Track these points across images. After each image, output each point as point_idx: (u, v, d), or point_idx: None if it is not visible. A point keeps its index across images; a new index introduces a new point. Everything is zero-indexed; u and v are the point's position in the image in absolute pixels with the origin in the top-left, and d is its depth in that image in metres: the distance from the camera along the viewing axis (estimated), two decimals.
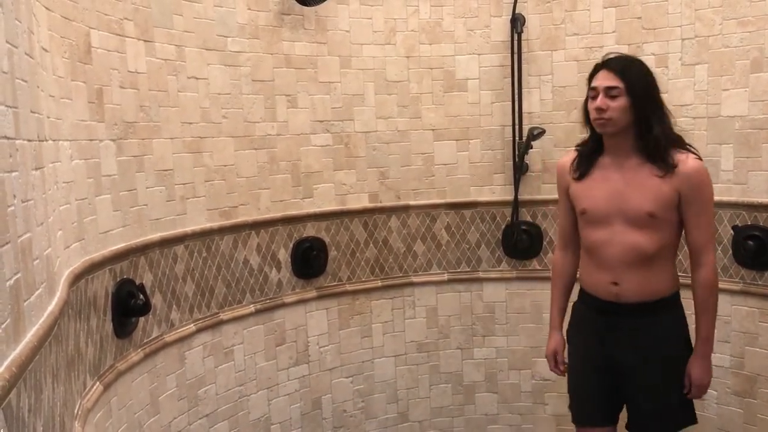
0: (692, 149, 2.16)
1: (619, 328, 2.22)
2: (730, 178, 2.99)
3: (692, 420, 2.30)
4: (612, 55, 2.21)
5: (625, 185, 2.15)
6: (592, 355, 2.30)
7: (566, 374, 2.44)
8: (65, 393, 1.56)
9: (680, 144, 2.16)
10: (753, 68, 2.88)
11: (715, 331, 3.04)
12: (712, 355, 3.06)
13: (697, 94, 3.04)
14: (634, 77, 2.12)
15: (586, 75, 3.26)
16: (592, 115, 2.15)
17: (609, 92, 2.11)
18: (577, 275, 2.42)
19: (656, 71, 3.10)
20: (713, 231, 2.25)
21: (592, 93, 2.16)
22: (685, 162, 2.10)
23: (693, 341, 2.26)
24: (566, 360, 2.43)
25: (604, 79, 2.13)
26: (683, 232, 2.19)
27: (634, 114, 2.11)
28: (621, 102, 2.10)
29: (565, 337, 2.44)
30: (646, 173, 2.12)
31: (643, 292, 2.17)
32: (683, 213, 2.13)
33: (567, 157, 2.36)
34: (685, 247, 2.25)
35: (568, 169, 2.30)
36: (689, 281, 2.23)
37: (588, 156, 2.25)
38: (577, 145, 2.34)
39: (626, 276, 2.16)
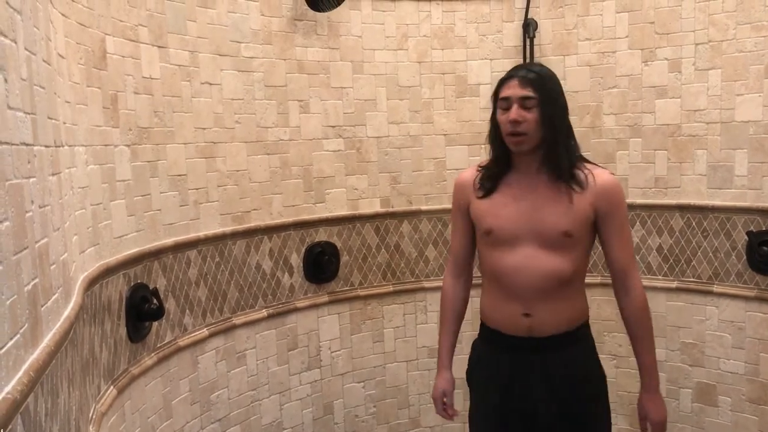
0: (601, 166, 1.98)
1: (532, 369, 1.93)
2: (744, 183, 2.97)
3: None
4: (520, 66, 1.99)
5: (536, 203, 1.90)
6: (497, 405, 1.99)
7: (467, 421, 2.13)
8: (80, 397, 1.57)
9: (586, 161, 1.96)
10: (767, 73, 2.87)
11: (729, 338, 3.07)
12: (727, 361, 3.07)
13: (710, 99, 3.03)
14: (548, 88, 1.89)
15: (599, 80, 3.29)
16: (506, 129, 1.88)
17: (524, 103, 1.86)
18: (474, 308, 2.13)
19: (669, 76, 3.12)
20: (633, 249, 2.04)
21: (504, 104, 1.89)
22: (601, 176, 1.90)
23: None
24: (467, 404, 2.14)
25: (517, 89, 1.87)
26: (594, 255, 2.03)
27: (546, 128, 1.87)
28: (535, 114, 1.85)
29: (467, 382, 2.13)
30: (558, 190, 1.89)
31: (559, 323, 1.91)
32: (601, 231, 1.92)
33: (468, 172, 2.08)
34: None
35: (470, 184, 2.02)
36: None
37: (494, 173, 1.97)
38: (480, 166, 2.05)
39: (540, 305, 1.89)
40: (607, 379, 2.07)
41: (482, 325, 2.06)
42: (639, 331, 1.96)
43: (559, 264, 1.88)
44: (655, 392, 2.00)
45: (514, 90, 1.87)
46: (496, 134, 1.94)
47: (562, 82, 3.29)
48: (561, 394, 1.92)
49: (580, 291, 1.98)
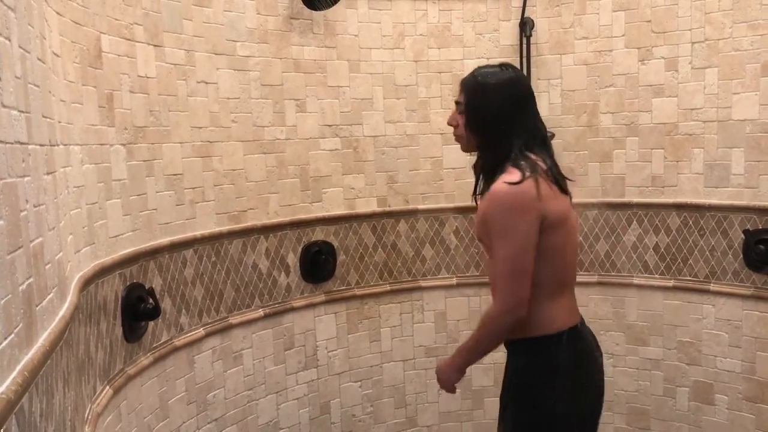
0: (525, 172, 1.76)
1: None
2: (741, 182, 2.97)
3: None
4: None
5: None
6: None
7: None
8: (76, 397, 1.56)
9: (518, 167, 1.78)
10: (764, 72, 2.87)
11: (726, 336, 3.06)
12: (724, 360, 3.07)
13: (707, 98, 3.03)
14: (471, 92, 1.87)
15: (596, 79, 3.29)
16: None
17: (459, 107, 1.91)
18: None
19: (666, 75, 3.12)
20: (506, 267, 1.78)
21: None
22: (494, 185, 1.79)
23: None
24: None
25: (457, 92, 1.94)
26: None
27: (470, 133, 1.87)
28: (464, 119, 1.88)
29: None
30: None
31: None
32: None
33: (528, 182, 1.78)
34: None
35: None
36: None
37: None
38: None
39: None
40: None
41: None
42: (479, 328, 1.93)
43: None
44: (449, 362, 2.01)
45: (457, 94, 1.95)
46: None
47: (558, 80, 3.34)
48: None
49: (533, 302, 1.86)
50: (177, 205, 2.54)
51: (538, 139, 1.87)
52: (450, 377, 2.00)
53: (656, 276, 3.25)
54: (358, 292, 3.33)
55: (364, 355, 3.37)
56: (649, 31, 3.15)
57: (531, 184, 1.74)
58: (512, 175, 1.76)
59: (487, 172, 1.88)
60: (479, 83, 1.87)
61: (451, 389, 2.03)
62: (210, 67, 2.69)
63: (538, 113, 1.92)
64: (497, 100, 1.84)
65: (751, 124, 2.92)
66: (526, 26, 3.30)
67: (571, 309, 1.91)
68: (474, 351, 1.95)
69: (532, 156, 1.82)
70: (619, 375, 3.36)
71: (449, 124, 1.94)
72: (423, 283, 3.46)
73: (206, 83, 2.67)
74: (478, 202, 1.89)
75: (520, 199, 1.75)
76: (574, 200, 1.95)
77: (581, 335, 1.90)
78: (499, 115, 1.84)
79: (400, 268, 3.42)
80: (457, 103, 1.92)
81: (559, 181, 1.85)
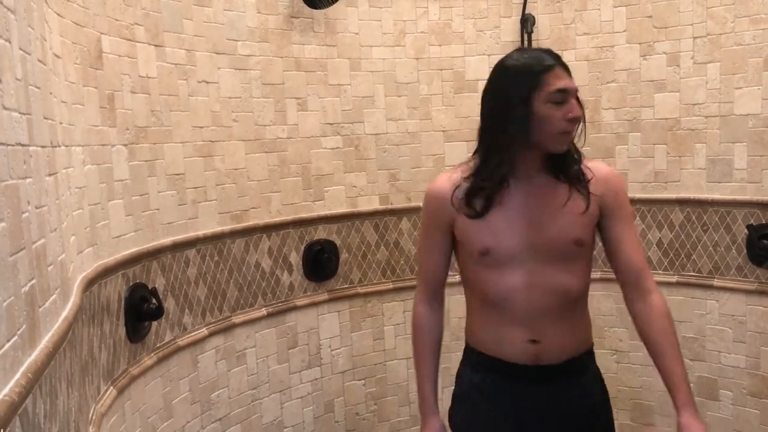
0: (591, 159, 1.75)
1: (540, 402, 1.69)
2: (744, 176, 2.96)
3: None
4: (546, 51, 1.72)
5: (540, 210, 1.66)
6: None
7: None
8: (80, 398, 1.56)
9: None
10: (766, 66, 2.86)
11: (730, 332, 3.06)
12: (728, 355, 3.06)
13: (709, 93, 3.02)
14: None
15: (597, 74, 3.29)
16: (560, 126, 1.58)
17: (577, 96, 1.63)
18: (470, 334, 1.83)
19: (668, 70, 3.11)
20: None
21: (559, 98, 1.58)
22: (600, 169, 1.70)
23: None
24: None
25: (570, 80, 1.62)
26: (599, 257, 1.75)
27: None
28: None
29: (448, 424, 1.81)
30: (561, 192, 1.65)
31: (569, 347, 1.69)
32: (608, 230, 1.70)
33: (444, 182, 1.72)
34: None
35: (449, 199, 1.68)
36: None
37: (491, 186, 1.64)
38: (461, 175, 1.70)
39: (550, 330, 1.65)
40: (607, 375, 1.99)
41: (474, 353, 1.76)
42: (669, 336, 1.65)
43: (568, 279, 1.66)
44: (696, 410, 1.63)
45: (567, 82, 1.60)
46: (523, 134, 1.59)
47: None
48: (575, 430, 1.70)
49: (586, 307, 1.78)
50: (179, 205, 2.54)
51: None
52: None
53: (659, 271, 3.24)
54: (361, 290, 3.32)
55: (368, 354, 3.37)
56: (650, 26, 3.14)
57: None
58: (592, 159, 1.75)
59: (569, 163, 1.67)
60: None
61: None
62: (211, 67, 2.69)
63: None
64: None
65: (754, 118, 2.91)
66: (527, 22, 3.30)
67: None
68: (682, 357, 1.69)
69: None
70: (623, 371, 3.36)
71: (577, 116, 1.60)
72: None
73: (207, 83, 2.67)
74: (589, 179, 1.67)
75: None
76: None
77: None
78: None
79: (402, 265, 3.42)
80: (577, 91, 1.64)
81: None
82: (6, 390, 0.93)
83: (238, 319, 2.84)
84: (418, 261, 1.75)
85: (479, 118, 1.73)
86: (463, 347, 1.85)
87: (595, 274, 3.29)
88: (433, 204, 1.73)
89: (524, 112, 1.58)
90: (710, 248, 3.10)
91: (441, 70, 3.36)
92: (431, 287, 1.84)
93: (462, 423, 1.79)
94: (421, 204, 3.46)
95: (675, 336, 1.67)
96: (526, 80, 1.59)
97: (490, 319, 1.71)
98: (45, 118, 1.36)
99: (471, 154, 1.74)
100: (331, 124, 3.16)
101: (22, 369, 1.02)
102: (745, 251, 2.98)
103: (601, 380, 1.81)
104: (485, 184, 1.65)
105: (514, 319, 1.66)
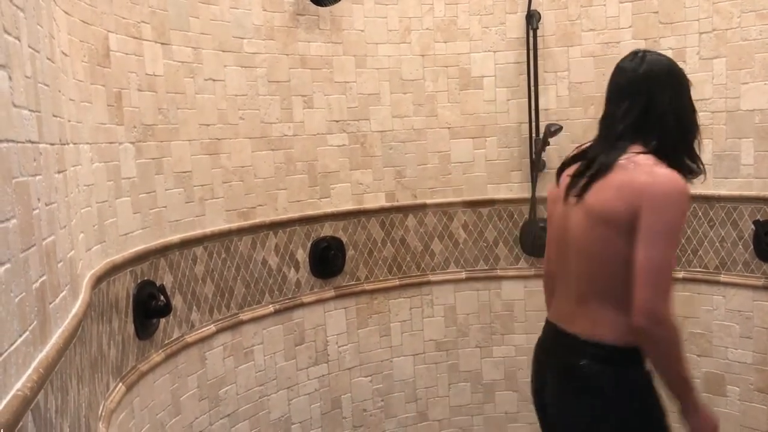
0: None
1: None
2: (751, 172, 2.96)
3: None
4: None
5: None
6: None
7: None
8: (89, 394, 1.57)
9: None
10: None
11: (737, 327, 3.05)
12: (735, 351, 3.05)
13: (715, 88, 3.02)
14: None
15: (603, 71, 3.27)
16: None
17: None
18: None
19: None
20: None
21: None
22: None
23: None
24: None
25: None
26: None
27: None
28: None
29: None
30: None
31: None
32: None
33: (683, 179, 1.71)
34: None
35: None
36: None
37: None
38: (683, 171, 1.76)
39: None
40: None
41: (636, 351, 1.71)
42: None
43: None
44: (696, 411, 1.69)
45: None
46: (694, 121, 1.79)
47: (565, 73, 3.33)
48: None
49: None
50: (186, 202, 2.55)
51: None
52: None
53: None
54: (367, 287, 3.33)
55: (375, 350, 3.38)
56: (656, 21, 3.14)
57: None
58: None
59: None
60: None
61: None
62: (217, 65, 2.69)
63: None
64: None
65: (761, 113, 2.90)
66: (532, 18, 3.29)
67: (555, 304, 1.98)
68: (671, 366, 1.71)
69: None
70: None
71: None
72: (432, 278, 3.47)
73: (214, 80, 2.68)
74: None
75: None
76: None
77: (544, 329, 2.02)
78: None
79: (409, 262, 3.42)
80: None
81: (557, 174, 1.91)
82: (18, 385, 0.94)
83: (245, 316, 2.85)
84: (669, 264, 1.63)
85: (660, 113, 1.76)
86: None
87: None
88: (688, 204, 1.70)
89: (691, 103, 1.81)
90: (717, 244, 3.10)
91: (446, 66, 3.36)
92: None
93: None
94: (426, 201, 3.39)
95: (653, 352, 1.68)
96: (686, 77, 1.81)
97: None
98: (54, 116, 1.37)
99: (641, 147, 1.73)
100: (337, 121, 3.16)
101: (33, 364, 1.03)
102: (751, 247, 2.98)
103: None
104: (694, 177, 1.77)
105: None
